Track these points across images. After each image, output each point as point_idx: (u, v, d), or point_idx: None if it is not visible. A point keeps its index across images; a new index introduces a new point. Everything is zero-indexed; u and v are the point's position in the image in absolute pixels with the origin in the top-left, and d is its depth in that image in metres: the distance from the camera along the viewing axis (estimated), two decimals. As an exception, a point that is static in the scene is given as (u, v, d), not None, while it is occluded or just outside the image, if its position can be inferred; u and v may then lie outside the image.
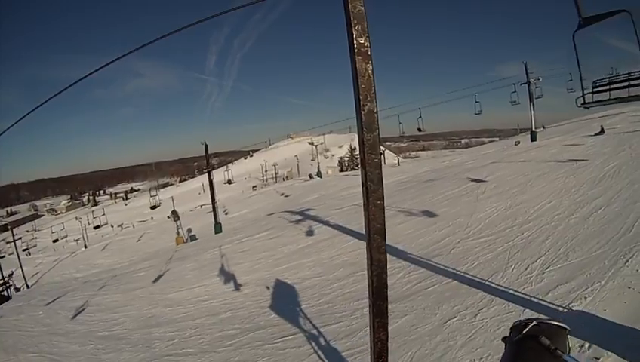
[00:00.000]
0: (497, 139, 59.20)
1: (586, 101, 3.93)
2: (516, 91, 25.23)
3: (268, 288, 7.37)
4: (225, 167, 29.26)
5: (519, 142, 25.09)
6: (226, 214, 28.00)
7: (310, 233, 10.44)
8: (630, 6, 2.25)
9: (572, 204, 7.99)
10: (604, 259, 5.13)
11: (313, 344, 4.85)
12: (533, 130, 24.71)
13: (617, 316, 3.76)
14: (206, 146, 18.11)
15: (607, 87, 3.94)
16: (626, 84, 3.77)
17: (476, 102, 24.86)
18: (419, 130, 20.62)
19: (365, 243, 1.65)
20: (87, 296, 9.63)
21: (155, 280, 9.86)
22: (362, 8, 1.38)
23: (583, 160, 11.64)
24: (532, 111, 24.98)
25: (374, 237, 1.56)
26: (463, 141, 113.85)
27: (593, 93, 3.99)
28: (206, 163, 18.51)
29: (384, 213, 1.53)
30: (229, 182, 26.52)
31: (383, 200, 1.52)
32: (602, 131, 16.78)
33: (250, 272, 8.55)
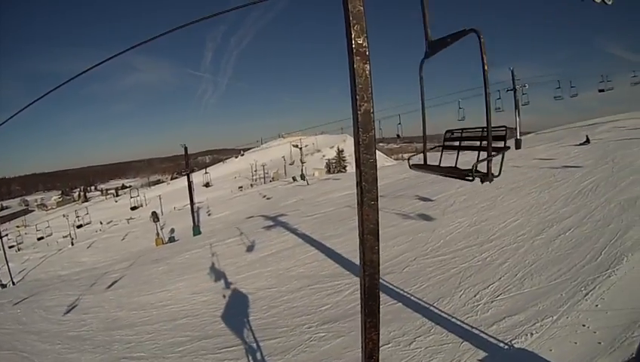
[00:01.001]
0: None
1: (426, 161, 2.79)
2: (501, 98, 25.46)
3: (224, 296, 7.74)
4: (204, 170, 29.74)
5: (503, 149, 25.30)
6: (209, 215, 28.35)
7: (275, 241, 10.72)
8: (478, 25, 1.94)
9: (540, 222, 7.66)
10: (562, 290, 4.80)
11: (250, 358, 5.15)
12: (518, 137, 25.03)
13: (564, 358, 3.42)
14: (185, 149, 18.51)
15: (458, 144, 2.84)
16: (478, 144, 2.52)
17: (460, 108, 25.17)
18: (398, 136, 20.82)
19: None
20: (64, 296, 10.00)
21: (127, 283, 10.25)
22: (361, 8, 1.39)
23: (575, 166, 11.33)
24: (517, 119, 25.17)
25: (367, 237, 1.53)
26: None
27: (444, 147, 2.95)
28: (185, 165, 18.79)
29: (378, 213, 1.52)
30: (207, 185, 26.98)
31: (377, 201, 1.52)
32: (587, 141, 16.15)
33: (213, 279, 8.88)
